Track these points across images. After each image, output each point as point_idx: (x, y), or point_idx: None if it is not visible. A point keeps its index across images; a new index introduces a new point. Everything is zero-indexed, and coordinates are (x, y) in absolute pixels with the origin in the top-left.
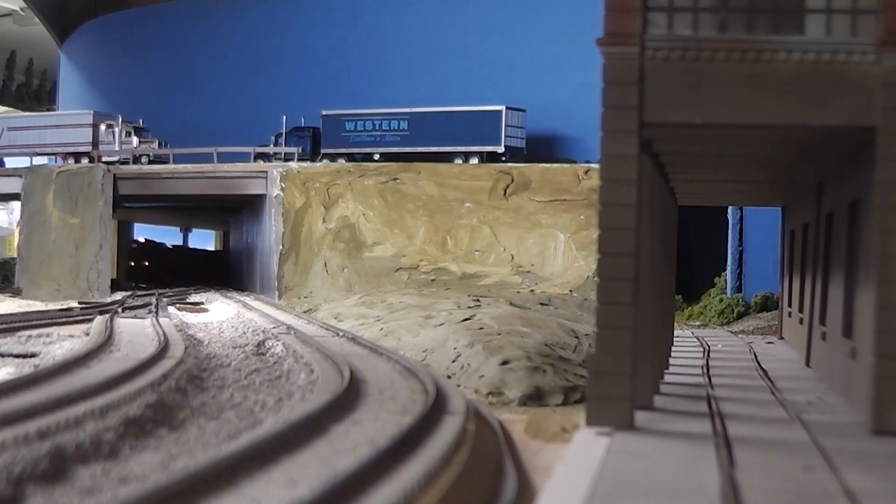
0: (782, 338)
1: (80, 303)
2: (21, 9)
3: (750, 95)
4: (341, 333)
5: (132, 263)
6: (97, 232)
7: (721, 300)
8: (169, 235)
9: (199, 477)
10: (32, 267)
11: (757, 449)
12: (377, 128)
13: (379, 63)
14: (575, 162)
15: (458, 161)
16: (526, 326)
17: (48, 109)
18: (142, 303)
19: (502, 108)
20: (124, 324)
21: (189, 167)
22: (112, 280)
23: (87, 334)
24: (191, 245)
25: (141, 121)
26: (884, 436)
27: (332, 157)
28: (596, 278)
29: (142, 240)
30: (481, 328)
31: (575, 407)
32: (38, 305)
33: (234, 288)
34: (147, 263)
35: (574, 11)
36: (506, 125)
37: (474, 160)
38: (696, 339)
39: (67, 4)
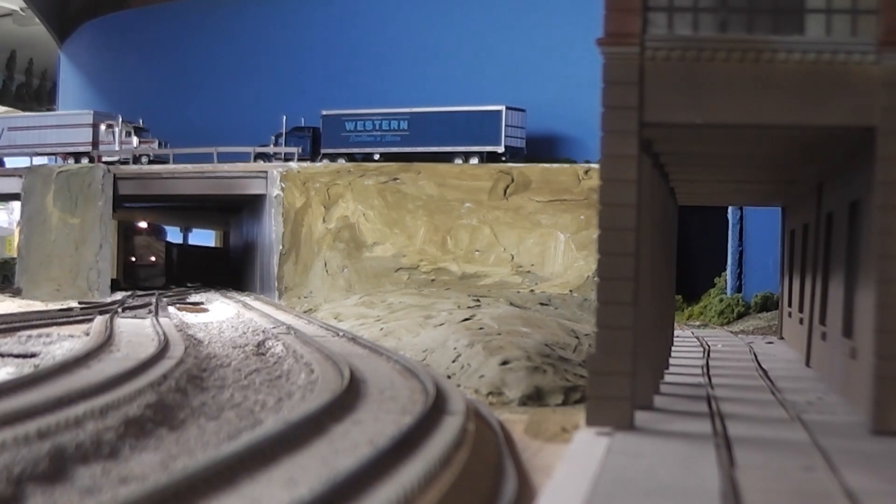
0: (782, 338)
1: (80, 303)
2: (21, 9)
3: (750, 95)
4: (341, 333)
5: (133, 259)
6: (97, 232)
7: (721, 300)
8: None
9: (199, 477)
10: (32, 267)
11: (757, 449)
12: (377, 128)
13: (379, 63)
14: (575, 162)
15: (458, 161)
16: (526, 326)
17: (48, 109)
18: (142, 303)
19: (502, 108)
20: (124, 324)
21: (189, 167)
22: (112, 280)
23: (87, 334)
24: (191, 242)
25: (141, 121)
26: (884, 436)
27: (332, 157)
28: (596, 278)
29: (144, 225)
30: (481, 328)
31: (575, 407)
32: (38, 305)
33: (233, 288)
34: (154, 259)
35: (574, 11)
36: (506, 125)
37: (474, 160)
38: (696, 339)
39: (67, 4)
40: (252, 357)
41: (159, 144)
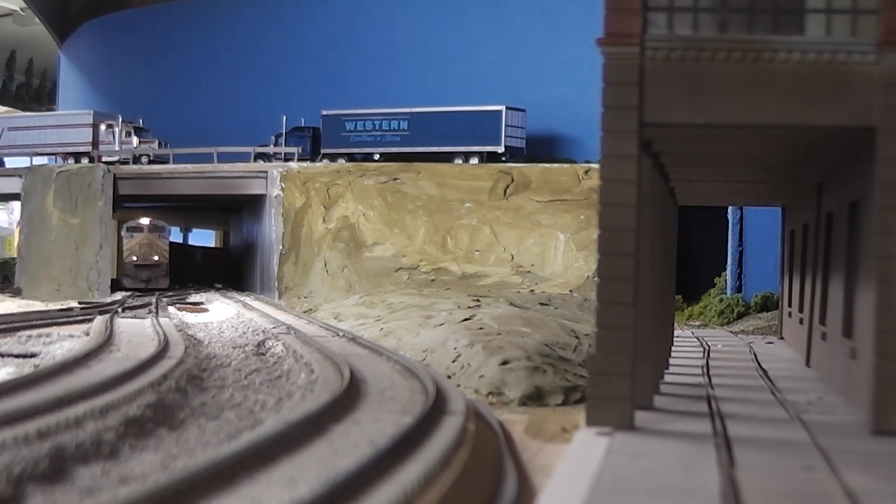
0: (782, 338)
1: (80, 303)
2: (21, 9)
3: (750, 95)
4: (341, 333)
5: (135, 258)
6: (97, 232)
7: (721, 300)
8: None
9: (199, 477)
10: (32, 267)
11: (757, 449)
12: (377, 128)
13: (379, 63)
14: (575, 162)
15: (458, 161)
16: (526, 326)
17: (48, 109)
18: (142, 303)
19: (502, 108)
20: (124, 324)
21: (189, 167)
22: (112, 280)
23: (87, 334)
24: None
25: (141, 121)
26: (884, 436)
27: (332, 157)
28: (596, 278)
29: (146, 221)
30: (481, 328)
31: (575, 407)
32: (38, 305)
33: (233, 288)
34: (157, 258)
35: (574, 11)
36: (506, 125)
37: (474, 160)
38: (696, 339)
39: (67, 4)
40: (252, 357)
41: (159, 144)
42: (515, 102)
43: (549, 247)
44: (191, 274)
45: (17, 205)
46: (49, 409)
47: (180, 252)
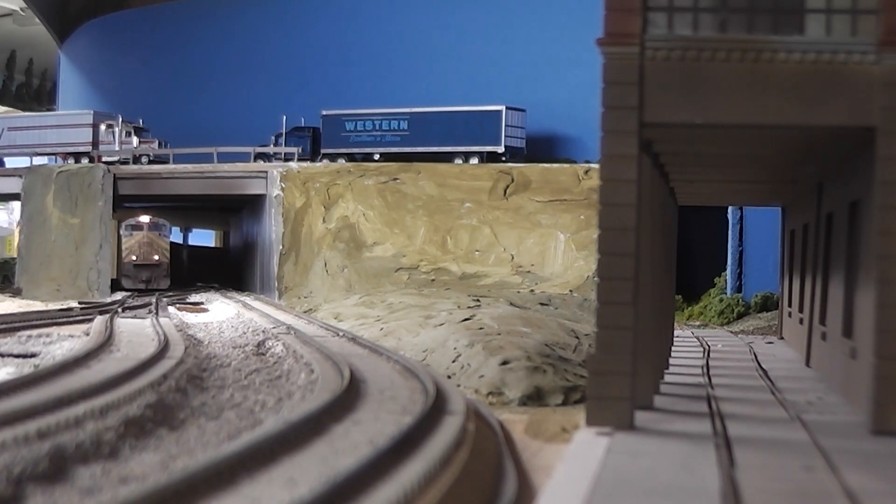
0: (782, 338)
1: (80, 303)
2: (21, 9)
3: (750, 95)
4: (341, 333)
5: (135, 258)
6: (97, 232)
7: (721, 300)
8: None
9: (199, 477)
10: (32, 267)
11: (757, 449)
12: (377, 128)
13: (379, 63)
14: (575, 162)
15: (458, 161)
16: (526, 326)
17: (48, 109)
18: (142, 303)
19: (502, 108)
20: (124, 324)
21: (189, 167)
22: (112, 280)
23: (87, 334)
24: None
25: (141, 121)
26: (884, 436)
27: (332, 157)
28: (596, 278)
29: (146, 219)
30: (481, 328)
31: (575, 407)
32: (38, 305)
33: (233, 287)
34: (158, 258)
35: (574, 11)
36: (506, 125)
37: (474, 160)
38: (696, 339)
39: (67, 4)
40: (252, 357)
41: (159, 144)
42: (515, 102)
43: (549, 247)
44: (180, 274)
45: (17, 205)
46: (49, 409)
47: (176, 252)
